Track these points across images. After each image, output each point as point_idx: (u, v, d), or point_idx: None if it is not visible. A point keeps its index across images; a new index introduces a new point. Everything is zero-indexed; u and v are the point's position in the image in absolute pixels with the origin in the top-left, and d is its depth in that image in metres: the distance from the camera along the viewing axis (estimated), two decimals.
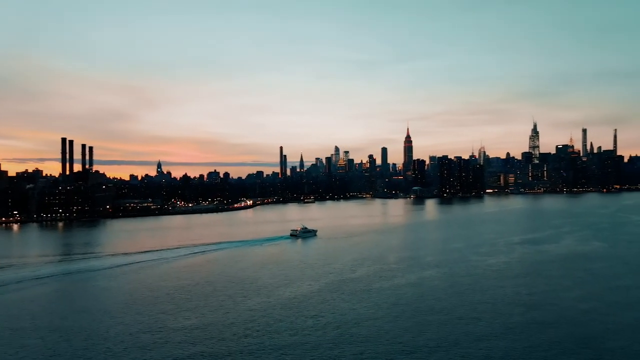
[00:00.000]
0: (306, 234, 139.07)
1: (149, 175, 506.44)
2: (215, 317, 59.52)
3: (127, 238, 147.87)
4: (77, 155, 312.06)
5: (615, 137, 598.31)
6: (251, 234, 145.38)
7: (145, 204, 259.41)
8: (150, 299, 69.24)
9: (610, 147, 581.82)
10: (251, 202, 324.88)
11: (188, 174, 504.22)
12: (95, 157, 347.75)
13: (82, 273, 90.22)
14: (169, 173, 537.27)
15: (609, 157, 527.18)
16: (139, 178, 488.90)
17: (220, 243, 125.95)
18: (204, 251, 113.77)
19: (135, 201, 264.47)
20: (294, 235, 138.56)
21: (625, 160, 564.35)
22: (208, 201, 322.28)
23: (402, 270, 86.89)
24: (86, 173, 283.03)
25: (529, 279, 78.38)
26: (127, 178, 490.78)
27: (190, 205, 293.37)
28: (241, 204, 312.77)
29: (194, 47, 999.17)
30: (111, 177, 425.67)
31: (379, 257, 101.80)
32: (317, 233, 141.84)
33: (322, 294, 70.02)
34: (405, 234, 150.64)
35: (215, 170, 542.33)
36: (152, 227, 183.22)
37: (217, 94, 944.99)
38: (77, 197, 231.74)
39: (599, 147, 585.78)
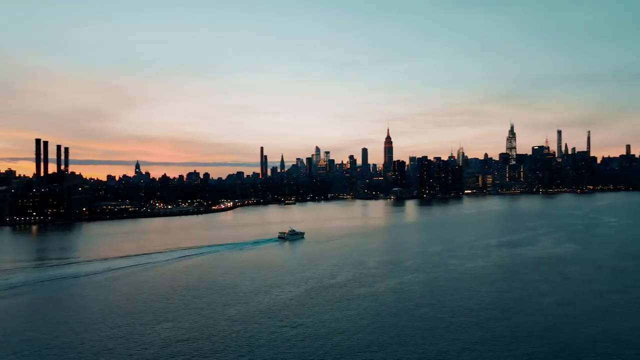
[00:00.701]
0: (294, 236, 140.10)
1: (127, 176, 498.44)
2: (194, 328, 58.84)
3: (104, 243, 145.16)
4: (52, 154, 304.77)
5: (588, 138, 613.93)
6: (232, 238, 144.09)
7: (123, 206, 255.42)
8: (127, 309, 68.06)
9: (584, 149, 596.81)
10: (231, 203, 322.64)
11: (167, 175, 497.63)
12: (71, 157, 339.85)
13: (56, 281, 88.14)
14: (147, 173, 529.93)
15: (583, 158, 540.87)
16: (117, 178, 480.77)
17: (201, 247, 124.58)
18: (183, 256, 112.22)
19: (113, 203, 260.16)
20: (282, 237, 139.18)
21: (598, 161, 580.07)
22: (188, 203, 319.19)
23: (382, 275, 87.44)
24: (62, 174, 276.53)
25: (506, 283, 79.72)
26: (104, 178, 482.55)
27: (169, 207, 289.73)
28: (221, 205, 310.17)
29: (174, 45, 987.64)
30: (88, 178, 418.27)
31: (359, 261, 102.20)
32: (304, 235, 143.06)
33: (302, 302, 69.90)
34: (385, 237, 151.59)
35: (195, 170, 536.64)
36: (129, 231, 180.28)
37: (197, 93, 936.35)
38: (52, 200, 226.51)
39: (573, 149, 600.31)
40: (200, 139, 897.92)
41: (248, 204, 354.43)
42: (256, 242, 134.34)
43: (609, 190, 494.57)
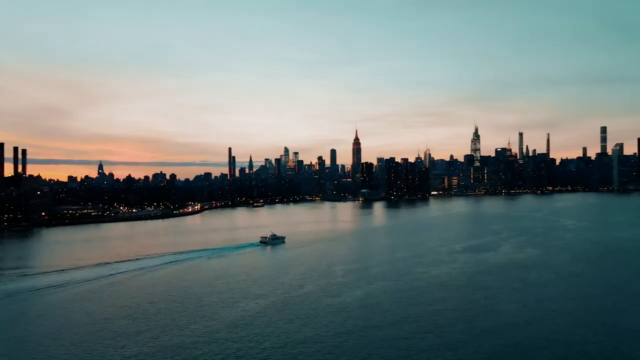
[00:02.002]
0: (275, 240, 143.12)
1: (90, 177, 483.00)
2: (157, 346, 57.52)
3: (64, 251, 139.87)
4: (8, 153, 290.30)
5: (548, 140, 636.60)
6: (201, 244, 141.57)
7: (85, 211, 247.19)
8: (86, 326, 65.85)
9: (544, 150, 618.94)
10: (199, 206, 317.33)
11: (132, 175, 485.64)
12: (30, 156, 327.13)
13: (11, 296, 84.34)
14: (111, 174, 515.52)
15: (543, 160, 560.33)
16: (79, 179, 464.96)
17: (166, 255, 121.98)
18: (149, 266, 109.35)
19: (74, 208, 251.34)
20: (264, 242, 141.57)
21: (557, 162, 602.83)
22: (153, 206, 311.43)
23: (349, 284, 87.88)
24: (19, 177, 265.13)
25: (469, 291, 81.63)
26: (65, 179, 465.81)
27: (134, 211, 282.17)
28: (189, 208, 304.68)
29: (140, 43, 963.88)
30: (47, 179, 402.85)
31: (326, 270, 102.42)
32: (285, 240, 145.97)
33: (269, 315, 69.45)
34: (352, 242, 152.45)
35: (161, 171, 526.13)
36: (92, 237, 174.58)
37: (163, 92, 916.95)
38: (8, 205, 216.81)
39: (534, 150, 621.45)
40: (167, 139, 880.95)
41: (216, 207, 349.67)
42: (239, 247, 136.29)
43: (567, 191, 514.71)
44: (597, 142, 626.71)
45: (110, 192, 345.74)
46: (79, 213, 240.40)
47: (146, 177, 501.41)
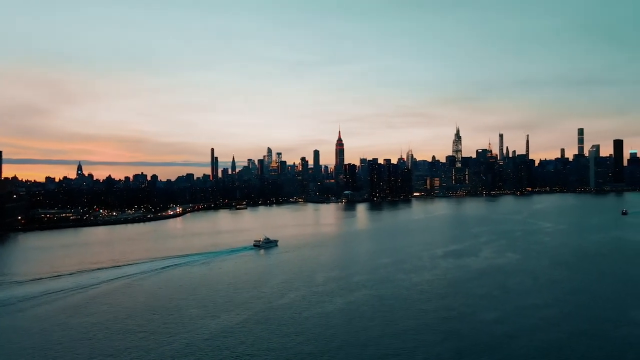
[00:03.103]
0: (269, 244, 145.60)
1: (68, 178, 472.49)
2: None
3: (40, 258, 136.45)
4: None
5: (527, 142, 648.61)
6: (179, 250, 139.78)
7: (64, 214, 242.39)
8: (61, 342, 64.38)
9: (524, 151, 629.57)
10: (181, 209, 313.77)
11: (112, 176, 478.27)
12: (6, 156, 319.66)
13: None
14: (90, 175, 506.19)
15: (522, 161, 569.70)
16: (57, 180, 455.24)
17: (148, 262, 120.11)
18: (129, 274, 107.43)
19: (52, 211, 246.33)
20: (257, 245, 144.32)
21: (536, 163, 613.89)
22: (134, 208, 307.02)
23: (330, 293, 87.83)
24: None
25: (451, 299, 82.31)
26: (42, 179, 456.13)
27: (114, 214, 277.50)
28: (170, 211, 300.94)
29: (121, 41, 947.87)
30: (24, 180, 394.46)
31: (308, 277, 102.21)
32: (278, 243, 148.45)
33: (250, 327, 68.98)
34: (335, 247, 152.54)
35: (142, 172, 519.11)
36: (70, 243, 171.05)
37: (145, 91, 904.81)
38: None
39: (514, 152, 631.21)
40: (148, 138, 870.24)
41: (198, 209, 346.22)
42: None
43: (546, 192, 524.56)
44: (575, 144, 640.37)
45: (90, 194, 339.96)
46: (57, 217, 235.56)
47: (127, 178, 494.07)
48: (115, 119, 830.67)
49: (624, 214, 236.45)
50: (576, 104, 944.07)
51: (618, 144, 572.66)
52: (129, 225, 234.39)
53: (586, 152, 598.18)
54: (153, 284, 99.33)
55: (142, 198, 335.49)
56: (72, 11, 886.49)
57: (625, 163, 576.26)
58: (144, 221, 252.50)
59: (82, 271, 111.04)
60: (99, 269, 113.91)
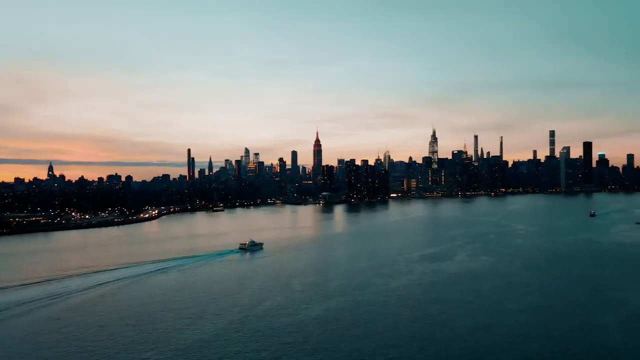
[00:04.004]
0: (254, 247, 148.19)
1: (39, 179, 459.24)
2: None
3: (7, 266, 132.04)
4: None
5: (501, 143, 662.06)
6: (158, 255, 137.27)
7: (33, 218, 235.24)
8: (31, 358, 62.56)
9: (498, 152, 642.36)
10: (156, 211, 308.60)
11: (85, 177, 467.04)
12: None
13: None
14: (62, 176, 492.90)
15: (496, 163, 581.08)
16: (27, 181, 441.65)
17: (120, 269, 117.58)
18: (102, 282, 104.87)
19: (21, 214, 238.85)
20: (243, 248, 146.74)
21: (510, 165, 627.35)
22: (108, 211, 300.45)
23: (307, 300, 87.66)
24: None
25: (427, 306, 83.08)
26: (11, 180, 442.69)
27: (87, 217, 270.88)
28: (145, 214, 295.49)
29: (94, 38, 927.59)
30: None
31: (284, 283, 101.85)
32: (263, 246, 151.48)
33: (226, 337, 68.23)
34: (312, 252, 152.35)
35: (116, 173, 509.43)
36: (40, 249, 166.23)
37: (119, 89, 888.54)
38: None
39: (488, 153, 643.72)
40: (123, 138, 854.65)
41: (174, 212, 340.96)
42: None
43: (519, 193, 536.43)
44: (547, 145, 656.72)
45: (61, 196, 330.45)
46: (26, 221, 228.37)
47: (100, 179, 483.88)
48: (89, 118, 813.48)
49: (592, 215, 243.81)
50: (548, 106, 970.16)
51: (587, 146, 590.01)
52: (103, 229, 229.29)
53: (557, 154, 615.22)
54: (127, 292, 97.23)
55: (116, 200, 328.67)
56: (43, 8, 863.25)
57: (594, 164, 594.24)
58: (118, 224, 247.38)
59: (52, 279, 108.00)
60: (70, 276, 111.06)
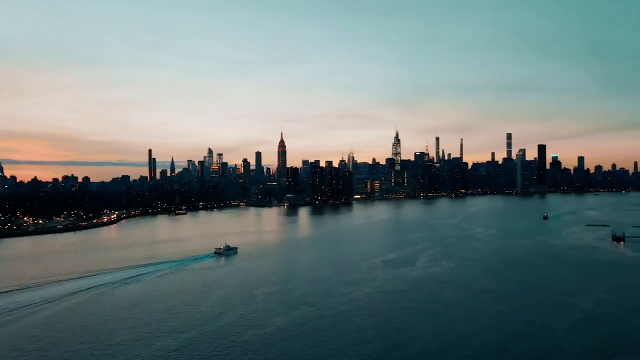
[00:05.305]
0: (229, 251, 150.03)
1: None
2: None
3: None
4: None
5: (461, 145, 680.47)
6: (115, 262, 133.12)
7: None
8: None
9: (458, 154, 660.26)
10: (116, 215, 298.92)
11: (38, 177, 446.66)
12: None
13: None
14: (13, 177, 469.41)
15: (457, 164, 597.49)
16: None
17: (75, 279, 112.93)
18: (57, 295, 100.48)
19: None
20: (218, 253, 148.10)
21: (470, 166, 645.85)
22: (63, 215, 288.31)
23: (270, 312, 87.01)
24: None
25: (389, 314, 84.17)
26: None
27: (40, 222, 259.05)
28: (104, 218, 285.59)
29: (48, 33, 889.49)
30: None
31: (247, 294, 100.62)
32: (238, 250, 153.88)
33: (186, 353, 66.88)
34: (276, 258, 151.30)
35: (72, 174, 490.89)
36: None
37: (75, 86, 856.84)
38: None
39: (449, 154, 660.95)
40: (79, 136, 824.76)
41: (134, 216, 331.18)
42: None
43: (478, 194, 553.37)
44: (504, 147, 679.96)
45: (12, 199, 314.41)
46: None
47: (55, 180, 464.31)
48: (42, 115, 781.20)
49: (545, 218, 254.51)
50: (506, 109, 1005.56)
51: (542, 149, 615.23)
52: (58, 235, 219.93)
53: (514, 156, 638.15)
54: (85, 306, 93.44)
55: (72, 203, 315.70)
56: None
57: (548, 166, 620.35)
58: (74, 230, 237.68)
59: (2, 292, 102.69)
60: (20, 290, 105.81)
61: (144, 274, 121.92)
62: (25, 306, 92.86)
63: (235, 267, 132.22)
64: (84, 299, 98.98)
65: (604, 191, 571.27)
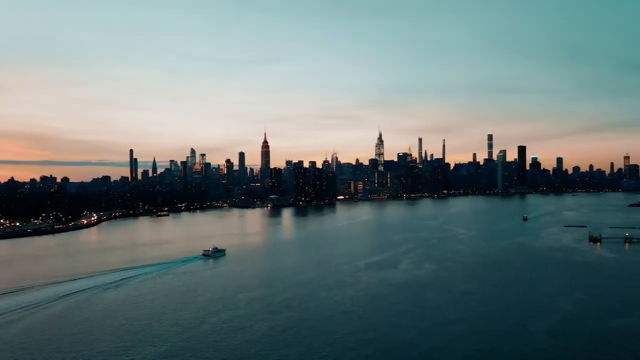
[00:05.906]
0: (217, 253, 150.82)
1: None
2: None
3: None
4: None
5: (443, 146, 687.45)
6: (97, 267, 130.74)
7: None
8: None
9: (441, 155, 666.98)
10: (96, 217, 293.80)
11: (15, 177, 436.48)
12: None
13: None
14: None
15: (439, 165, 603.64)
16: None
17: (53, 285, 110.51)
18: (34, 302, 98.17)
19: None
20: (207, 255, 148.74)
21: (452, 167, 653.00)
22: (41, 217, 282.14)
23: (253, 317, 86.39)
24: None
25: (372, 318, 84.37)
26: None
27: (17, 224, 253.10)
28: (84, 220, 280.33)
29: (25, 29, 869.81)
30: None
31: (230, 299, 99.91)
32: (226, 252, 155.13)
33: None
34: (259, 261, 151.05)
35: (51, 174, 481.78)
36: None
37: (54, 84, 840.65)
38: None
39: (432, 155, 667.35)
40: (58, 135, 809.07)
41: (115, 217, 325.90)
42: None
43: (460, 194, 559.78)
44: (486, 148, 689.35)
45: None
46: None
47: (33, 180, 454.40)
48: (19, 114, 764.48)
49: (525, 219, 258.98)
50: (486, 110, 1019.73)
51: (522, 150, 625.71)
52: (36, 238, 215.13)
53: (495, 157, 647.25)
54: (60, 314, 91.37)
55: (51, 205, 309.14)
56: None
57: (528, 167, 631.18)
58: (53, 232, 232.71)
59: None
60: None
61: (126, 278, 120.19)
62: (0, 314, 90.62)
63: (220, 270, 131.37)
64: (63, 305, 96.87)
65: (581, 192, 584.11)
